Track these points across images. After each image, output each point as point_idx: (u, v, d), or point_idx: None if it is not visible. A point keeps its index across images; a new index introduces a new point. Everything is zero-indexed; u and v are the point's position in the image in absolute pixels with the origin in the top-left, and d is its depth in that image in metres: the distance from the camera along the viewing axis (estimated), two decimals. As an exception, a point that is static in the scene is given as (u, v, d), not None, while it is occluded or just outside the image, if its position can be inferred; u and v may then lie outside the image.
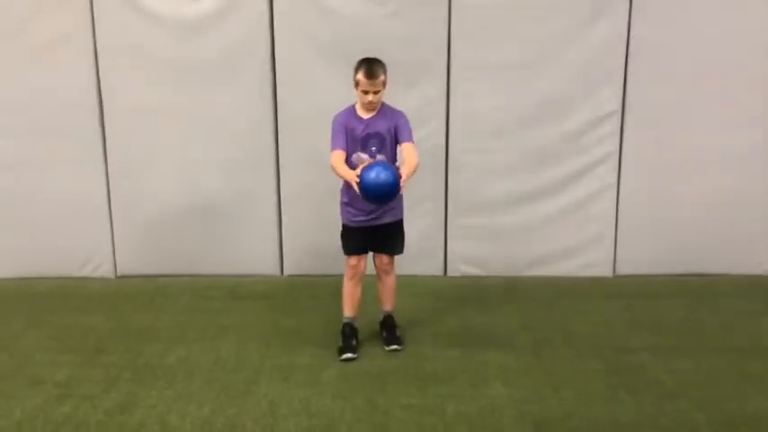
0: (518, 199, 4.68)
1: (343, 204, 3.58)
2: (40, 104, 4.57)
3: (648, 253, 4.76)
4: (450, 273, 4.83)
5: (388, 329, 3.72)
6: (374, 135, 3.43)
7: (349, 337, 3.63)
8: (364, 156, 3.43)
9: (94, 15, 4.47)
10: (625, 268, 4.79)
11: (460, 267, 4.82)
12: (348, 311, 3.69)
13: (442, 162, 4.64)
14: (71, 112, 4.58)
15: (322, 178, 4.62)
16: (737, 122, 4.55)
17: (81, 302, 4.40)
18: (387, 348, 3.62)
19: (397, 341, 3.65)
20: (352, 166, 3.37)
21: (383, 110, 3.47)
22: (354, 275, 3.61)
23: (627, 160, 4.64)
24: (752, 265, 4.77)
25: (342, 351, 3.56)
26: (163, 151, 4.65)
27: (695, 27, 4.43)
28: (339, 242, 4.73)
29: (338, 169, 3.36)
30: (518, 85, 4.51)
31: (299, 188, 4.70)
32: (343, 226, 3.62)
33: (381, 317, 3.79)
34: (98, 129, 4.62)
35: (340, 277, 4.67)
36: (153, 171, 4.68)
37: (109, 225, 4.77)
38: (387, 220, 3.55)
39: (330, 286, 4.55)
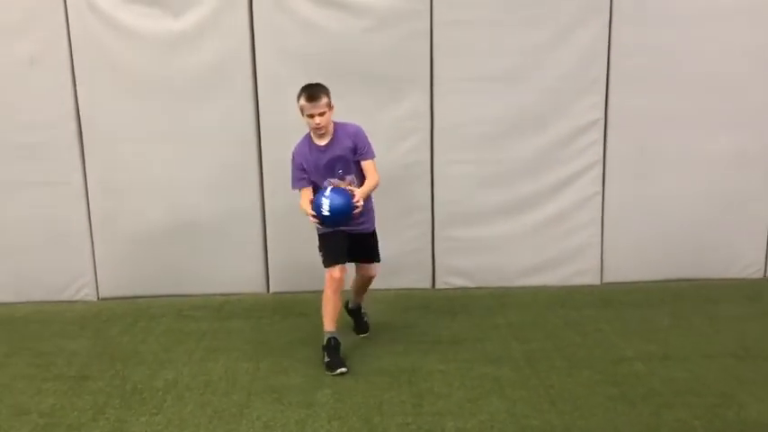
0: (504, 209, 4.67)
1: None
2: (15, 124, 4.48)
3: (635, 260, 4.77)
4: (438, 285, 4.80)
5: (359, 318, 4.00)
6: (337, 159, 3.48)
7: (336, 350, 3.57)
8: (334, 181, 3.49)
9: (70, 33, 4.39)
10: (612, 276, 4.80)
11: (449, 279, 4.79)
12: (330, 325, 3.62)
13: (427, 174, 4.61)
14: (49, 132, 4.50)
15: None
16: (720, 127, 4.60)
17: (63, 327, 4.28)
18: (358, 335, 3.97)
19: (367, 328, 3.99)
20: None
21: (337, 130, 3.51)
22: (338, 288, 3.57)
23: (611, 168, 4.66)
24: (738, 269, 4.81)
25: (333, 366, 3.50)
26: (144, 170, 4.57)
27: (675, 34, 4.47)
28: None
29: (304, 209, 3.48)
30: (501, 96, 4.51)
31: (284, 204, 4.63)
32: (321, 236, 3.63)
33: (351, 304, 4.00)
34: (77, 148, 4.53)
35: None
36: (134, 190, 4.59)
37: (90, 246, 4.67)
38: (360, 230, 3.63)
39: (318, 303, 4.48)
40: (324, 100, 3.39)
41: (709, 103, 4.56)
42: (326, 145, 3.49)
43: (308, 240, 4.63)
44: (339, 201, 3.32)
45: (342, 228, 3.52)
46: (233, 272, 4.73)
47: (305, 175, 3.53)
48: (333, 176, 3.51)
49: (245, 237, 4.70)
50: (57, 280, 4.71)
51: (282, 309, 4.49)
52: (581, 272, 4.78)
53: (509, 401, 3.16)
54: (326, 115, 3.42)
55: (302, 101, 3.40)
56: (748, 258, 4.81)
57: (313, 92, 3.38)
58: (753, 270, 4.82)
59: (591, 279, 4.78)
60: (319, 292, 4.62)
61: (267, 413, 3.12)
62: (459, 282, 4.78)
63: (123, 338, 4.07)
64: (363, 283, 3.88)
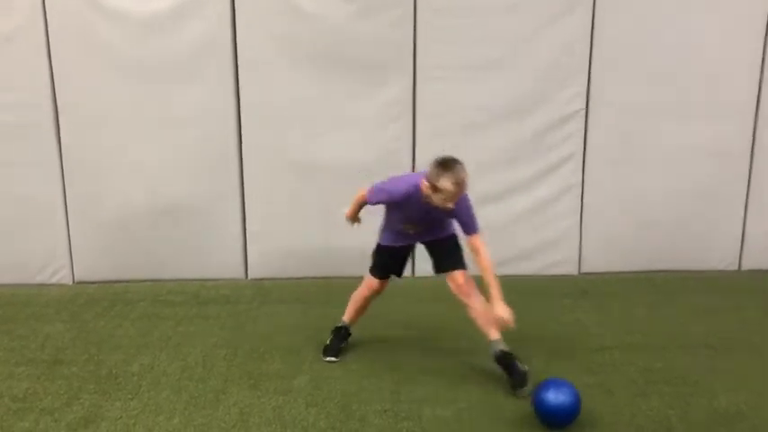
0: (485, 199, 4.64)
1: (383, 229, 3.42)
2: (-10, 104, 4.39)
3: (613, 250, 4.80)
4: (418, 273, 4.79)
5: (511, 368, 3.14)
6: (431, 219, 3.20)
7: (340, 339, 3.56)
8: (410, 224, 3.27)
9: (47, 12, 4.30)
10: (591, 266, 4.83)
11: (428, 267, 4.76)
12: (349, 317, 3.58)
13: (408, 162, 4.60)
14: (24, 112, 4.41)
15: (286, 179, 4.57)
16: (700, 120, 4.63)
17: (38, 310, 4.22)
18: (515, 393, 3.10)
19: (524, 380, 3.11)
20: (399, 220, 3.27)
21: None
22: (371, 296, 3.48)
23: (591, 158, 4.68)
24: (714, 262, 4.87)
25: (327, 351, 3.50)
26: (121, 152, 4.50)
27: (657, 25, 4.48)
28: (305, 243, 4.67)
29: (352, 206, 3.33)
30: (484, 84, 4.51)
31: (263, 190, 4.61)
32: (379, 245, 3.43)
33: (492, 351, 3.19)
34: (53, 129, 4.45)
35: (305, 280, 4.63)
36: (111, 173, 4.53)
37: (66, 229, 4.60)
38: (436, 236, 3.32)
39: (296, 289, 4.51)
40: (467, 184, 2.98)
41: (689, 96, 4.59)
42: (434, 207, 3.05)
43: (287, 226, 4.64)
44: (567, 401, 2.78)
45: (411, 240, 3.38)
46: (211, 257, 4.69)
47: (385, 201, 3.20)
48: (412, 226, 3.27)
49: (223, 222, 4.65)
50: (32, 262, 4.64)
51: (260, 295, 4.46)
52: (559, 262, 4.81)
53: (486, 389, 3.18)
54: None
55: (447, 183, 2.90)
56: (724, 251, 4.87)
57: (463, 178, 2.93)
58: (728, 262, 4.88)
59: (569, 269, 4.81)
60: (298, 279, 4.66)
61: (244, 399, 3.11)
62: (438, 270, 4.78)
63: (99, 323, 4.02)
64: (462, 301, 3.28)
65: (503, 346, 3.18)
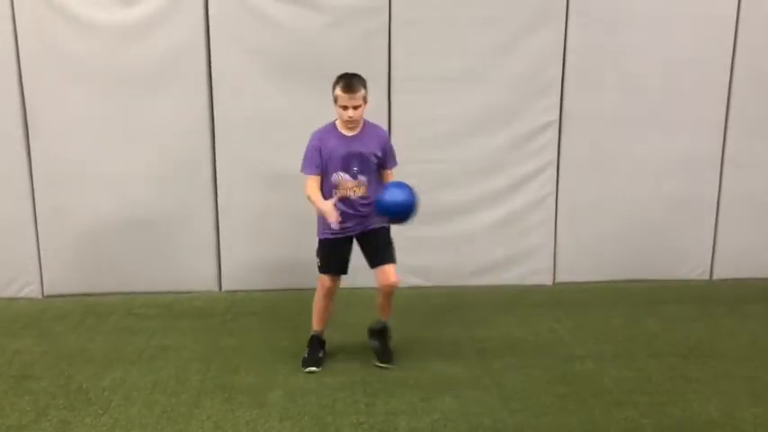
0: (460, 209, 4.69)
1: (320, 217, 3.42)
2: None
3: (587, 260, 4.84)
4: (392, 284, 4.78)
5: (384, 342, 3.58)
6: (356, 155, 3.34)
7: (316, 349, 3.56)
8: (345, 176, 3.34)
9: (16, 21, 4.24)
10: (565, 276, 4.86)
11: (404, 278, 4.75)
12: (317, 325, 3.61)
13: (383, 173, 4.60)
14: (-8, 123, 4.34)
15: (259, 190, 4.54)
16: (671, 130, 4.69)
17: (6, 325, 4.13)
18: (377, 363, 3.47)
19: (390, 358, 3.52)
20: (332, 186, 3.34)
21: (366, 128, 3.40)
22: (328, 295, 3.51)
23: (565, 169, 4.72)
24: (686, 271, 4.92)
25: (306, 363, 3.49)
26: (93, 163, 4.43)
27: (629, 38, 4.55)
28: (279, 254, 4.62)
29: (313, 199, 3.34)
30: (458, 95, 4.53)
31: (237, 201, 4.57)
32: (321, 242, 3.48)
33: (377, 325, 3.60)
34: (22, 140, 4.37)
35: (280, 292, 4.59)
36: (82, 184, 4.46)
37: (35, 242, 4.51)
38: (371, 226, 3.43)
39: (271, 302, 4.48)
40: (361, 92, 3.26)
41: (660, 107, 4.65)
42: (352, 137, 3.35)
43: (261, 236, 4.60)
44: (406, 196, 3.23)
45: (349, 230, 3.40)
46: (184, 269, 4.64)
47: (319, 160, 3.34)
48: (346, 172, 3.33)
49: (197, 234, 4.60)
50: (0, 276, 4.54)
51: (234, 307, 4.42)
52: (534, 271, 4.83)
53: (461, 400, 3.17)
54: (360, 109, 3.29)
55: (338, 90, 3.26)
56: (695, 260, 4.93)
57: (351, 82, 3.25)
58: (699, 272, 4.94)
59: (543, 279, 4.83)
60: (272, 291, 4.62)
61: (217, 413, 3.07)
62: (414, 281, 4.77)
63: (69, 337, 3.94)
64: (385, 294, 3.47)
65: (385, 325, 3.59)
